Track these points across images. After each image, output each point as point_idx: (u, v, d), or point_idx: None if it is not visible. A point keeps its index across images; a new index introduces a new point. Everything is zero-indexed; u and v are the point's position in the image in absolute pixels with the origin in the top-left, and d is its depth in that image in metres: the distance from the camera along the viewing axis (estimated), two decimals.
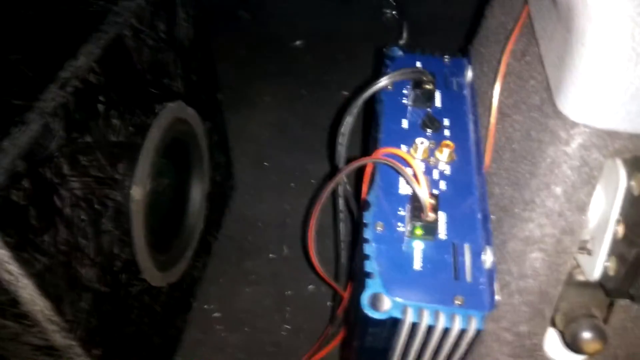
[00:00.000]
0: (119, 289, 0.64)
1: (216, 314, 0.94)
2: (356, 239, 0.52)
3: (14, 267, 0.45)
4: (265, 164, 1.21)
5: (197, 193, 0.89)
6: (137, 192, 0.65)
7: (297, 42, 1.56)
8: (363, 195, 0.50)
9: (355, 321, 0.46)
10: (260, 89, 1.38)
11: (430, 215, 0.42)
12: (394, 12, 1.64)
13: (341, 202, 0.58)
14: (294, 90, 1.39)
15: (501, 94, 0.42)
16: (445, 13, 1.47)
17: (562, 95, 0.33)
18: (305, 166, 1.19)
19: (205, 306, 0.95)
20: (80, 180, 0.53)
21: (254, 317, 0.94)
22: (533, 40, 0.40)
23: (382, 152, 0.45)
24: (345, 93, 1.36)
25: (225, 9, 1.57)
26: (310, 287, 0.99)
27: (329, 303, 0.96)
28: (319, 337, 0.85)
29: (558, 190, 0.35)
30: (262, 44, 1.52)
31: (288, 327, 0.94)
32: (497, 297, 0.38)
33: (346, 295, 0.68)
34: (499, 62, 0.43)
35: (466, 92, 0.56)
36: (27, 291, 0.48)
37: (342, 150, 0.53)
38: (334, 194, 0.58)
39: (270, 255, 1.04)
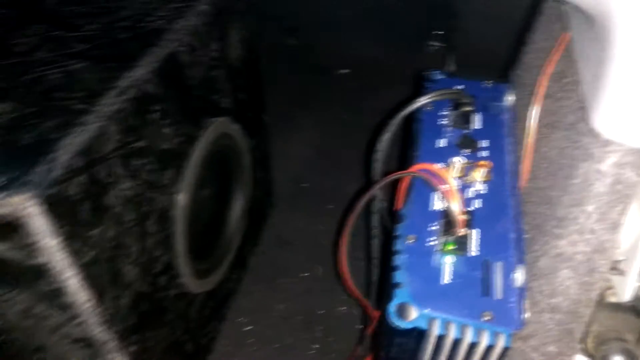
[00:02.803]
0: (158, 291, 0.67)
1: (247, 328, 0.96)
2: (388, 256, 0.53)
3: (64, 256, 0.48)
4: (303, 184, 1.24)
5: (237, 207, 0.92)
6: (182, 199, 0.68)
7: (342, 70, 1.60)
8: (396, 208, 0.51)
9: (382, 333, 0.46)
10: (303, 113, 1.42)
11: (462, 231, 0.42)
12: (439, 44, 1.66)
13: (375, 219, 0.59)
14: (336, 115, 1.42)
15: (538, 114, 0.43)
16: (490, 47, 1.48)
17: (597, 113, 0.34)
18: (342, 189, 1.20)
19: (238, 319, 0.96)
20: (130, 182, 0.57)
21: (283, 334, 0.95)
22: (571, 63, 0.40)
23: (418, 168, 0.46)
24: None
25: (275, 36, 1.63)
26: (342, 308, 0.99)
27: (358, 326, 0.95)
28: (347, 358, 0.85)
29: (590, 207, 0.35)
30: (308, 70, 1.57)
31: (317, 346, 0.94)
32: (526, 315, 0.38)
33: (376, 313, 0.68)
34: (537, 85, 0.44)
35: (505, 116, 0.56)
36: (74, 281, 0.51)
37: (378, 166, 0.54)
38: (368, 210, 0.59)
39: (304, 274, 1.05)
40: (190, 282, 0.75)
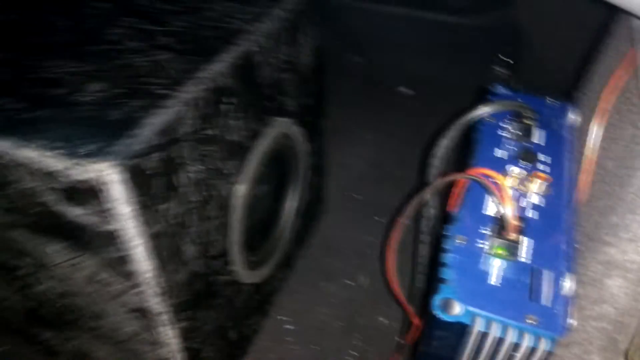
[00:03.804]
0: (210, 274, 0.70)
1: (288, 326, 0.98)
2: (436, 262, 0.54)
3: (134, 225, 0.52)
4: (355, 196, 1.26)
5: (289, 207, 0.95)
6: (241, 190, 0.71)
7: (404, 89, 1.62)
8: (448, 209, 0.52)
9: (424, 328, 0.47)
10: (362, 127, 1.45)
11: (513, 236, 0.43)
12: (505, 70, 1.64)
13: (425, 224, 0.60)
14: (394, 131, 1.44)
15: (599, 128, 0.43)
16: (558, 68, 1.46)
17: None
18: (393, 203, 1.21)
19: (279, 317, 0.99)
20: (198, 166, 0.61)
21: (323, 336, 0.96)
22: (634, 80, 0.40)
23: (475, 171, 0.47)
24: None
25: (341, 52, 1.67)
26: (382, 320, 1.00)
27: (397, 338, 0.95)
28: None
29: None
30: (370, 87, 1.60)
31: (354, 353, 0.95)
32: (570, 321, 0.38)
33: (418, 320, 0.68)
34: (600, 100, 0.44)
35: (567, 133, 0.56)
36: (139, 250, 0.55)
37: (433, 171, 0.55)
38: (418, 215, 0.60)
39: (347, 281, 1.06)
40: (241, 270, 0.78)
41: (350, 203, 1.23)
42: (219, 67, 0.63)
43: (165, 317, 0.64)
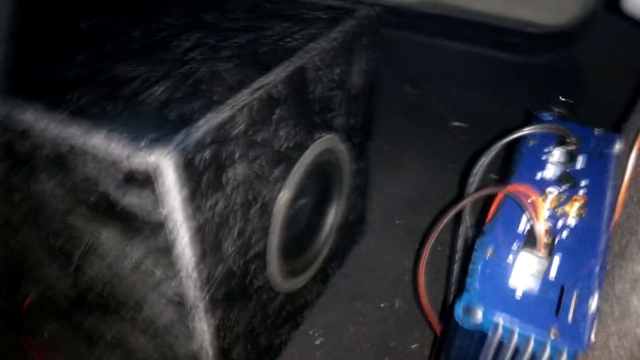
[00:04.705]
0: (246, 275, 0.73)
1: (318, 341, 0.99)
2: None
3: (182, 214, 0.56)
4: (397, 221, 1.26)
5: (329, 223, 0.97)
6: (284, 198, 0.75)
7: (456, 123, 1.63)
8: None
9: (445, 336, 0.47)
10: (410, 156, 1.46)
11: (543, 252, 0.43)
12: (561, 111, 1.62)
13: (460, 242, 0.61)
14: (442, 163, 1.44)
15: (637, 154, 0.43)
16: (610, 100, 1.42)
17: None
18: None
19: (310, 331, 1.00)
20: (244, 168, 0.65)
21: (352, 355, 0.96)
22: None
23: (510, 188, 0.48)
24: (493, 176, 1.37)
25: (394, 81, 1.71)
26: (413, 345, 0.99)
27: None
28: None
29: None
30: (421, 118, 1.62)
31: None
32: (592, 337, 0.37)
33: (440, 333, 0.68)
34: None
35: (611, 163, 0.56)
36: (184, 240, 0.59)
37: (471, 189, 0.56)
38: (454, 236, 0.61)
39: (382, 304, 1.06)
40: (276, 277, 0.80)
41: (392, 228, 1.24)
42: (273, 79, 0.67)
43: (200, 309, 0.67)
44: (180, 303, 0.67)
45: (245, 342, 0.80)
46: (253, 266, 0.74)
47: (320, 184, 0.91)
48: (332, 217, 0.97)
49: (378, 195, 1.28)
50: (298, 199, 0.83)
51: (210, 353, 0.72)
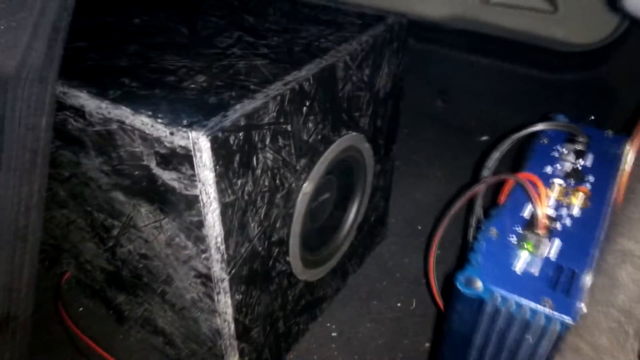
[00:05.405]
0: (269, 258, 0.78)
1: (334, 334, 1.02)
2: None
3: (213, 191, 0.62)
4: (419, 227, 1.29)
5: (350, 219, 1.01)
6: (308, 187, 0.79)
7: (483, 137, 1.65)
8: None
9: (446, 307, 0.51)
10: (435, 165, 1.49)
11: (542, 233, 0.46)
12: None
13: (471, 232, 0.64)
14: (467, 173, 1.46)
15: (634, 150, 0.46)
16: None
17: None
18: (455, 238, 1.23)
19: (327, 323, 1.03)
20: (273, 154, 0.70)
21: (366, 350, 0.99)
22: None
23: (517, 175, 0.52)
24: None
25: (426, 94, 1.75)
26: (427, 344, 1.01)
27: None
28: None
29: None
30: (449, 131, 1.65)
31: None
32: (582, 307, 0.40)
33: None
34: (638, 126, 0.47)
35: (617, 162, 0.59)
36: (214, 215, 0.64)
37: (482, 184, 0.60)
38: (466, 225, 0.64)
39: (398, 304, 1.09)
40: (296, 264, 0.85)
41: (413, 233, 1.27)
42: (305, 74, 0.73)
43: (225, 285, 0.72)
44: (207, 278, 0.72)
45: (264, 324, 0.85)
46: (276, 250, 0.79)
47: (344, 180, 0.95)
48: (354, 214, 1.01)
49: (402, 201, 1.32)
50: (322, 192, 0.88)
51: (232, 328, 0.77)
